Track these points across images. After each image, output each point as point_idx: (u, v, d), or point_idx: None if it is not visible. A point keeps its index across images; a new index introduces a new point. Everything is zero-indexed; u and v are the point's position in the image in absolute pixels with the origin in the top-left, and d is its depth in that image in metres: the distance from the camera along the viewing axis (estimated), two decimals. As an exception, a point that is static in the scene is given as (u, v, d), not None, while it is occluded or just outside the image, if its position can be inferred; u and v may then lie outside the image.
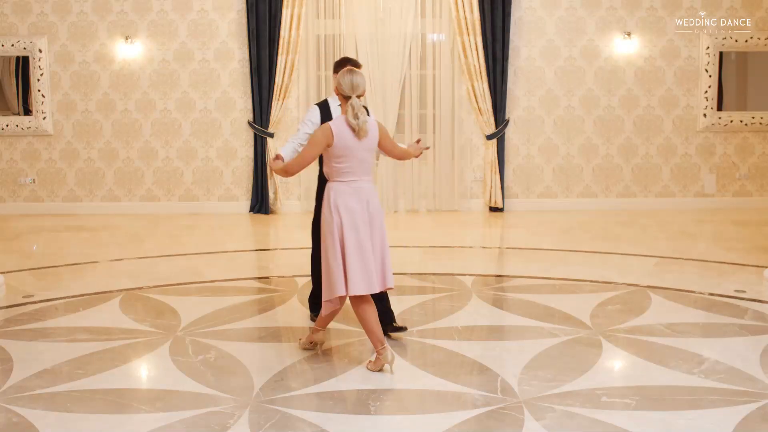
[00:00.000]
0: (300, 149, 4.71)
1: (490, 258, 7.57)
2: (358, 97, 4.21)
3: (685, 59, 9.75)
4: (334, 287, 4.20)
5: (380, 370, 4.26)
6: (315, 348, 4.64)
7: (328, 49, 9.68)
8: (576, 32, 9.69)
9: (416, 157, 4.78)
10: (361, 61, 9.41)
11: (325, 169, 4.35)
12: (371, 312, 4.28)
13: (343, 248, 4.19)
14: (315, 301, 5.07)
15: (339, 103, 4.72)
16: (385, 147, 4.44)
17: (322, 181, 4.66)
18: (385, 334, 4.69)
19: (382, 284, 4.30)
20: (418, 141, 4.83)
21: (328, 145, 4.19)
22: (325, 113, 4.79)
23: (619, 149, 9.88)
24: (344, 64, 4.70)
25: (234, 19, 9.65)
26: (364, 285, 4.18)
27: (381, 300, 4.75)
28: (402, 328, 4.85)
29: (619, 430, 3.52)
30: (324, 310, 4.47)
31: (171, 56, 9.71)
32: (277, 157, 4.51)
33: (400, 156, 4.61)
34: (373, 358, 4.31)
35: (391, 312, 4.88)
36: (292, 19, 9.36)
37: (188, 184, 9.93)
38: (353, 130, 4.17)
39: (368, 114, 4.48)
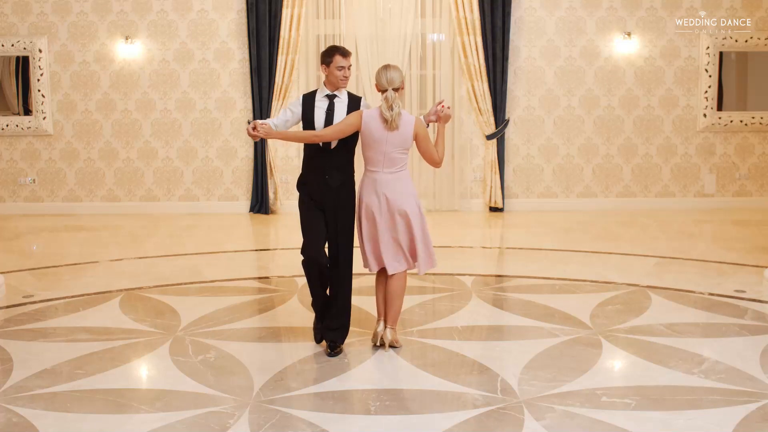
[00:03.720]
0: (280, 123, 4.73)
1: (490, 258, 7.57)
2: (396, 90, 4.44)
3: (685, 59, 9.75)
4: (365, 261, 4.70)
5: (375, 342, 4.66)
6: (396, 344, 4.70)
7: (328, 49, 9.65)
8: (576, 32, 9.69)
9: (443, 122, 4.64)
10: (361, 61, 9.51)
11: None
12: (382, 289, 4.67)
13: (360, 233, 4.62)
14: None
15: (326, 93, 4.61)
16: (421, 148, 4.58)
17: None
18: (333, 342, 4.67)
19: (407, 264, 4.63)
20: (440, 104, 4.66)
21: (357, 129, 4.49)
22: (308, 103, 4.64)
23: (619, 149, 9.88)
24: (332, 53, 4.59)
25: (234, 19, 9.64)
26: (374, 265, 4.65)
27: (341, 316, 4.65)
28: (335, 353, 4.59)
29: (619, 430, 3.52)
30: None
31: (171, 56, 9.71)
32: (255, 127, 4.47)
33: (431, 160, 4.60)
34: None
35: (344, 330, 4.68)
36: (292, 19, 9.35)
37: (188, 184, 9.93)
38: (385, 121, 4.41)
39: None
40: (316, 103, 4.61)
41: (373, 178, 4.52)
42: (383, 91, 4.46)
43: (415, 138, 4.51)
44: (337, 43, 9.57)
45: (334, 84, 4.60)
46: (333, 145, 4.57)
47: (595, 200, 9.93)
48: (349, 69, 4.60)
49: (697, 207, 9.87)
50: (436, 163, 4.62)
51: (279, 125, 4.67)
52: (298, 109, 4.65)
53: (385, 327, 4.65)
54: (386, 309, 4.66)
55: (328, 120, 4.57)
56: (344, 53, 4.57)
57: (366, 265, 4.70)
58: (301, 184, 4.70)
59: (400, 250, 4.57)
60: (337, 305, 4.62)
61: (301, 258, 4.59)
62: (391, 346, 4.64)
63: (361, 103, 4.69)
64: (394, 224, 4.52)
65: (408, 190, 4.54)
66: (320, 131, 4.49)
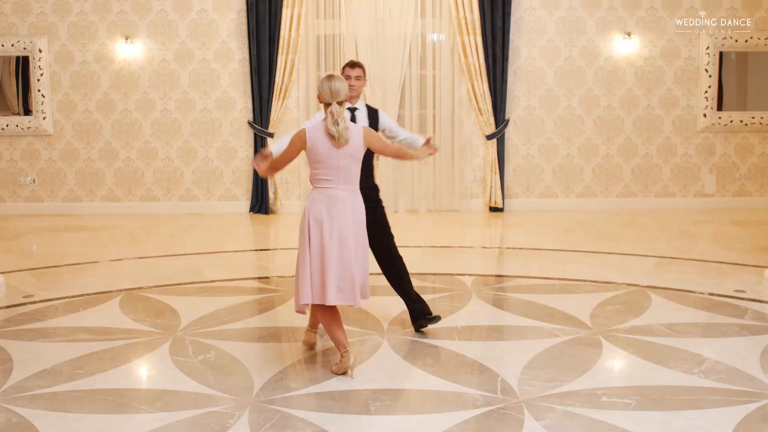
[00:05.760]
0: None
1: (490, 258, 7.57)
2: (340, 103, 4.12)
3: (685, 59, 9.75)
4: (299, 295, 4.18)
5: (343, 374, 4.23)
6: (312, 349, 4.69)
7: (328, 49, 9.68)
8: (576, 32, 9.69)
9: (419, 159, 4.74)
10: (361, 61, 9.49)
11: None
12: (332, 318, 4.25)
13: (310, 258, 4.15)
14: None
15: (348, 106, 4.81)
16: (377, 148, 4.36)
17: None
18: (419, 328, 4.92)
19: (353, 299, 4.17)
20: (428, 141, 4.68)
21: (303, 149, 4.16)
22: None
23: (619, 149, 9.88)
24: (344, 67, 4.91)
25: (234, 19, 9.65)
26: (319, 296, 4.13)
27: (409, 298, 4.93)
28: (435, 318, 4.94)
29: (619, 430, 3.52)
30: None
31: (171, 56, 9.71)
32: (263, 154, 4.47)
33: (395, 155, 4.53)
34: (337, 361, 4.30)
35: (421, 308, 4.95)
36: (292, 19, 9.36)
37: (188, 184, 9.93)
38: (332, 137, 4.08)
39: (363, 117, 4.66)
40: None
41: (328, 195, 4.15)
42: (327, 104, 4.13)
43: (369, 147, 4.26)
44: (337, 44, 9.63)
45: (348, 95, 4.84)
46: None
47: (595, 200, 9.94)
48: (356, 79, 4.81)
49: (697, 207, 9.87)
50: (399, 156, 4.56)
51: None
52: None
53: (309, 329, 4.65)
54: (317, 322, 4.57)
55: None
56: (351, 65, 4.87)
57: (304, 301, 4.16)
58: None
59: (345, 279, 4.15)
60: (402, 286, 4.95)
61: None
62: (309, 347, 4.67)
63: (379, 115, 4.89)
64: (343, 247, 4.13)
65: (363, 215, 4.27)
66: (276, 158, 4.35)
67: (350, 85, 4.80)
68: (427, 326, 4.94)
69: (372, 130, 4.36)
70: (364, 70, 4.87)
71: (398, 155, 4.58)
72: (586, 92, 9.79)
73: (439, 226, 9.03)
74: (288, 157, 4.24)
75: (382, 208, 4.96)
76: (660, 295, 5.75)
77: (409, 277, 5.00)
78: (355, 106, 4.87)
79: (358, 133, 4.19)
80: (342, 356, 4.23)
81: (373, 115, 4.93)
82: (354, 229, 4.19)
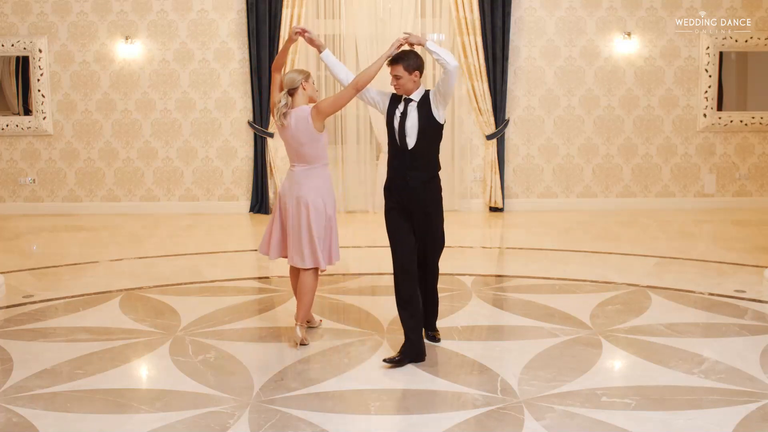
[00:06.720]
0: (350, 77, 4.71)
1: (490, 258, 7.57)
2: (293, 91, 4.69)
3: (685, 59, 9.75)
4: (270, 248, 4.90)
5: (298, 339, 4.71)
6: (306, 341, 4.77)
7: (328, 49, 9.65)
8: (576, 32, 9.69)
9: (390, 55, 4.53)
10: (360, 60, 9.50)
11: None
12: (299, 284, 4.80)
13: (272, 221, 4.87)
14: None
15: (404, 96, 4.59)
16: (339, 104, 4.64)
17: None
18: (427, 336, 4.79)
19: (312, 262, 4.73)
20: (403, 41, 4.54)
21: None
22: (393, 103, 4.62)
23: (619, 149, 9.88)
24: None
25: (234, 19, 9.65)
26: (275, 254, 4.88)
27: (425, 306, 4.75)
28: (435, 339, 4.82)
29: (619, 430, 3.52)
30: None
31: (171, 56, 9.71)
32: (314, 37, 4.92)
33: (360, 85, 4.53)
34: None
35: (430, 319, 4.86)
36: (292, 19, 9.35)
37: (188, 184, 9.93)
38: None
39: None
40: (399, 105, 4.58)
41: (292, 172, 4.77)
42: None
43: (319, 117, 4.62)
44: (337, 44, 9.63)
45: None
46: (411, 145, 4.57)
47: (595, 200, 9.94)
48: (396, 78, 4.49)
49: (697, 207, 9.87)
50: (351, 88, 4.55)
51: (341, 69, 4.77)
52: (377, 97, 4.66)
53: (296, 324, 4.78)
54: (297, 305, 4.83)
55: (401, 123, 4.53)
56: (390, 62, 4.51)
57: (263, 249, 4.91)
58: (386, 189, 4.70)
59: (305, 245, 4.69)
60: (427, 311, 4.75)
61: (393, 278, 4.61)
62: (301, 344, 4.70)
63: (429, 94, 4.59)
64: (299, 218, 4.68)
65: (317, 185, 4.71)
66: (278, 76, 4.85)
67: (391, 84, 4.56)
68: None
69: (322, 101, 4.67)
70: (405, 66, 4.45)
71: (363, 79, 4.53)
72: (586, 92, 9.78)
73: (439, 226, 9.02)
74: (273, 91, 4.79)
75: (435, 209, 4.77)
76: (660, 295, 5.75)
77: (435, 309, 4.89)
78: (411, 97, 4.55)
79: (303, 116, 4.64)
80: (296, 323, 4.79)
81: (425, 99, 4.58)
82: (305, 199, 4.66)
